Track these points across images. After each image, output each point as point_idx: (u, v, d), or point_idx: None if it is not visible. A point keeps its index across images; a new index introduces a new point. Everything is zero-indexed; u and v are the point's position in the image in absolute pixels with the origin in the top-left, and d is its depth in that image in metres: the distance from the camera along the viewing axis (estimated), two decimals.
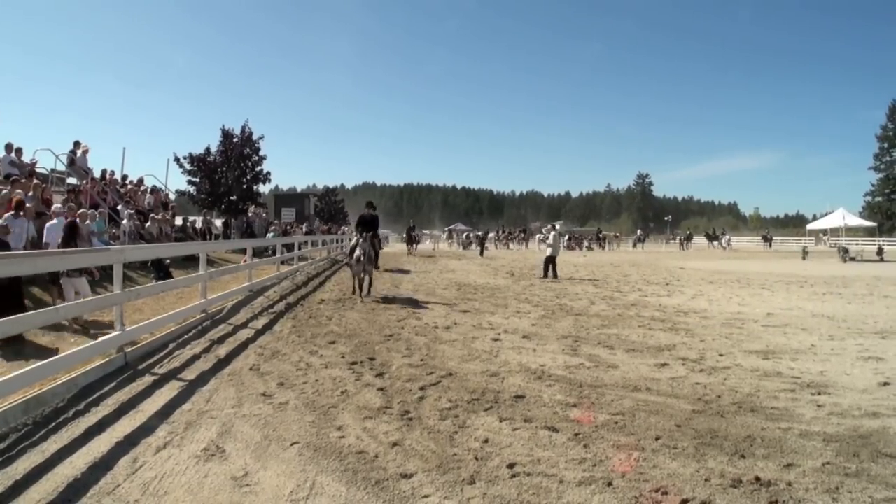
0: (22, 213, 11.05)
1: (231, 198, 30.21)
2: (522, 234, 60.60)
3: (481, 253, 38.91)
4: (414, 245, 40.33)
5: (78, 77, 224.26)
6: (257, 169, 31.34)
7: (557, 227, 23.45)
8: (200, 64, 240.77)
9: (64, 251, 8.53)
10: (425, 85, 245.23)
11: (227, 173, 30.11)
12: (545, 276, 19.66)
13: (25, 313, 5.94)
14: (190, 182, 30.05)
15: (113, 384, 6.16)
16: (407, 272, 21.87)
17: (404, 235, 44.13)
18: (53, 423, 4.96)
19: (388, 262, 25.71)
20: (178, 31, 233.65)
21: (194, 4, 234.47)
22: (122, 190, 21.22)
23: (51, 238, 11.06)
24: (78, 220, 11.25)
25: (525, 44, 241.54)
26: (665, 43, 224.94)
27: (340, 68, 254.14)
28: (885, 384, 6.23)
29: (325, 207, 66.62)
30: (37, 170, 18.09)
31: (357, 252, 13.28)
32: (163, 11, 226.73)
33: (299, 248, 22.08)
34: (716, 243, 60.62)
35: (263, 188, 34.83)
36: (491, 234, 52.30)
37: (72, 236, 9.78)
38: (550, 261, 20.01)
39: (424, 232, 75.03)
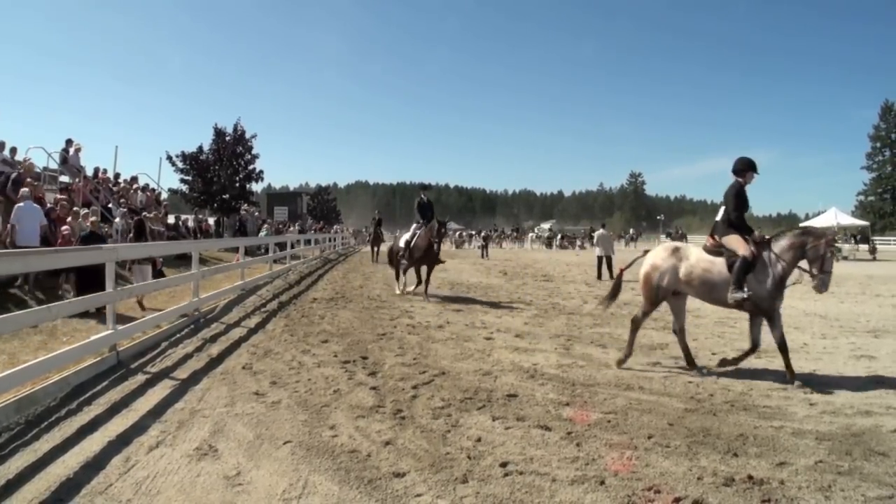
0: None
1: (224, 196, 30.11)
2: (515, 234, 60.71)
3: (484, 255, 34.99)
4: (376, 250, 27.75)
5: (71, 75, 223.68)
6: (250, 167, 31.26)
7: (604, 227, 22.10)
8: (193, 61, 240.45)
9: (57, 249, 8.52)
10: (420, 84, 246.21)
11: (220, 172, 30.00)
12: (599, 277, 19.16)
13: (20, 312, 5.90)
14: (182, 181, 29.95)
15: (105, 383, 6.13)
16: None
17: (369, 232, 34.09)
18: (46, 422, 4.94)
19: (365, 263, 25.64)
20: (171, 28, 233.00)
21: (188, 1, 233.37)
22: (114, 188, 21.14)
23: (16, 219, 11.63)
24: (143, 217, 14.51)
25: (520, 43, 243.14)
26: (658, 42, 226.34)
27: (334, 66, 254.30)
28: (878, 382, 6.25)
29: (317, 206, 66.49)
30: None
31: None
32: (156, 8, 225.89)
33: (292, 247, 22.03)
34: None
35: (256, 187, 34.75)
36: (484, 233, 51.62)
37: (141, 232, 13.07)
38: (604, 261, 19.50)
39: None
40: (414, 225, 13.97)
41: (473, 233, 65.74)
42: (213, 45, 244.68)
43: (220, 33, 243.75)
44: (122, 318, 8.37)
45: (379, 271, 21.28)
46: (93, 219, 12.45)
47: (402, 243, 13.93)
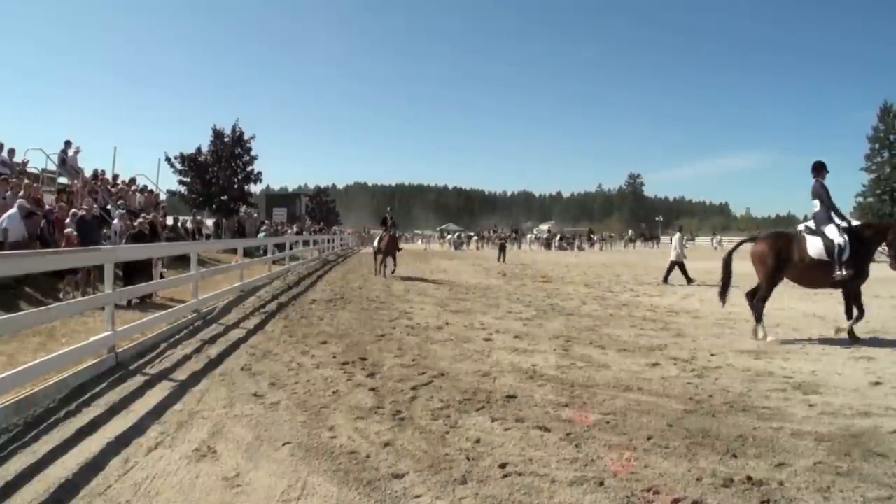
0: None
1: (222, 198, 30.13)
2: (514, 235, 60.74)
3: (501, 258, 31.93)
4: (386, 261, 20.16)
5: (70, 72, 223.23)
6: (248, 169, 31.29)
7: (681, 230, 20.67)
8: (192, 60, 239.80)
9: (56, 251, 8.53)
10: (419, 84, 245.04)
11: (219, 173, 30.04)
12: (688, 279, 18.07)
13: (21, 312, 5.90)
14: (181, 182, 29.96)
15: (104, 384, 6.13)
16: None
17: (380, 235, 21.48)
18: (45, 424, 4.93)
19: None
20: (171, 26, 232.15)
21: None
22: (113, 189, 21.12)
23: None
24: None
25: (521, 43, 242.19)
26: (657, 41, 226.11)
27: (334, 66, 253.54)
28: (877, 384, 6.25)
29: (316, 207, 66.50)
30: (28, 169, 18.04)
31: None
32: (156, 6, 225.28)
33: (290, 249, 22.01)
34: (651, 243, 61.20)
35: (255, 188, 34.80)
36: (501, 234, 50.18)
37: (154, 233, 14.35)
38: (678, 266, 18.46)
39: (416, 232, 74.41)
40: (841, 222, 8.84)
41: (472, 234, 65.72)
42: (213, 44, 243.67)
43: (219, 32, 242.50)
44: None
45: (378, 275, 21.15)
46: (139, 220, 14.41)
47: (815, 253, 8.75)
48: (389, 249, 19.86)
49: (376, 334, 8.98)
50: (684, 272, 18.38)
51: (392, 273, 19.79)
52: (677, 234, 19.72)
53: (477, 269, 24.98)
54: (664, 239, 70.61)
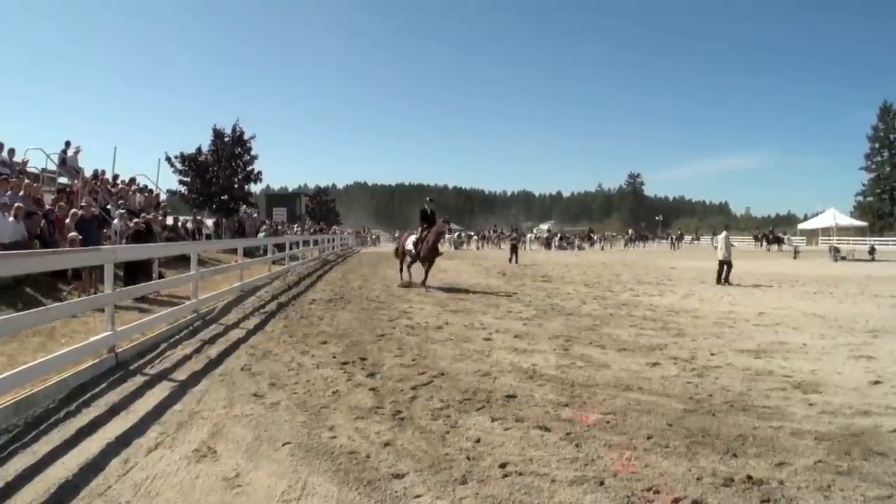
0: None
1: (222, 198, 30.11)
2: (515, 234, 60.73)
3: (514, 259, 30.21)
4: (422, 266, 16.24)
5: (72, 76, 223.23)
6: (248, 168, 31.26)
7: (727, 230, 20.14)
8: (193, 61, 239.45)
9: (56, 251, 8.53)
10: (419, 84, 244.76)
11: (219, 173, 30.01)
12: (719, 281, 18.12)
13: (21, 313, 5.90)
14: (181, 182, 29.94)
15: (104, 385, 6.12)
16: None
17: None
18: (45, 424, 4.93)
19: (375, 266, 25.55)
20: (172, 27, 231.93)
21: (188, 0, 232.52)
22: (113, 189, 21.10)
23: None
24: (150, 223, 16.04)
25: (520, 43, 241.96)
26: (657, 42, 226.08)
27: (334, 67, 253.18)
28: (877, 383, 6.26)
29: (316, 207, 66.47)
30: (28, 169, 18.04)
31: None
32: (156, 8, 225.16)
33: (291, 249, 22.00)
34: (637, 244, 61.42)
35: (255, 188, 34.79)
36: (512, 234, 49.26)
37: (150, 231, 14.99)
38: (726, 265, 18.32)
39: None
40: None
41: (473, 234, 65.69)
42: (213, 45, 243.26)
43: (219, 33, 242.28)
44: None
45: (379, 273, 21.18)
46: (136, 220, 15.11)
47: None
48: (429, 255, 15.83)
49: (376, 334, 8.98)
50: (722, 272, 18.37)
51: (424, 283, 15.77)
52: (723, 234, 19.48)
53: (477, 268, 24.96)
54: (664, 240, 70.96)
